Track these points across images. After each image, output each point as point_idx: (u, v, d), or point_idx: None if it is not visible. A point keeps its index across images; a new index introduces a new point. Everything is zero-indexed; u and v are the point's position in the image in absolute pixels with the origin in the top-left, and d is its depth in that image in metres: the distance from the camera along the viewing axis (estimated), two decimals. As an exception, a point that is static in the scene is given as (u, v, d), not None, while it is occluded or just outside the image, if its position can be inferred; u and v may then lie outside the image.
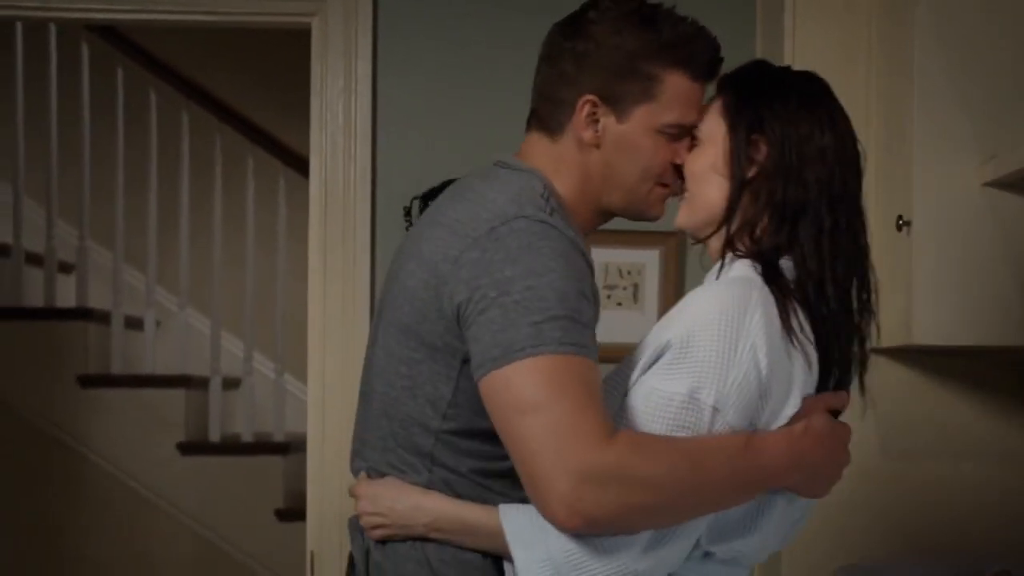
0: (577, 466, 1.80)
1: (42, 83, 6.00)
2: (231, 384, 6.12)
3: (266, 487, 5.76)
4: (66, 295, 6.03)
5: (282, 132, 5.96)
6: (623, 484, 1.81)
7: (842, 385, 2.03)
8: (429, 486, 2.04)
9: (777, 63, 3.23)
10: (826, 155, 2.00)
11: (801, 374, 1.93)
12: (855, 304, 2.02)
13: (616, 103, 2.11)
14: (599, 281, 3.44)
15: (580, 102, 2.11)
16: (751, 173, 2.02)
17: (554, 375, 1.85)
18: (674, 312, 2.00)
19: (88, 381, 5.78)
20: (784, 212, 1.99)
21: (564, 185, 2.13)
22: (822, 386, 1.98)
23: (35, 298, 5.97)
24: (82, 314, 5.89)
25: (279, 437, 5.90)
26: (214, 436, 5.87)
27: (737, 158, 2.03)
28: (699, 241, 2.12)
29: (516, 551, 1.91)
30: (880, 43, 3.27)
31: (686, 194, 2.12)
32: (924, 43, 3.01)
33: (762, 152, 2.02)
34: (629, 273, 3.61)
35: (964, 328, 2.98)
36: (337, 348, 3.67)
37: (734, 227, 2.02)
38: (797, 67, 3.09)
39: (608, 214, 2.20)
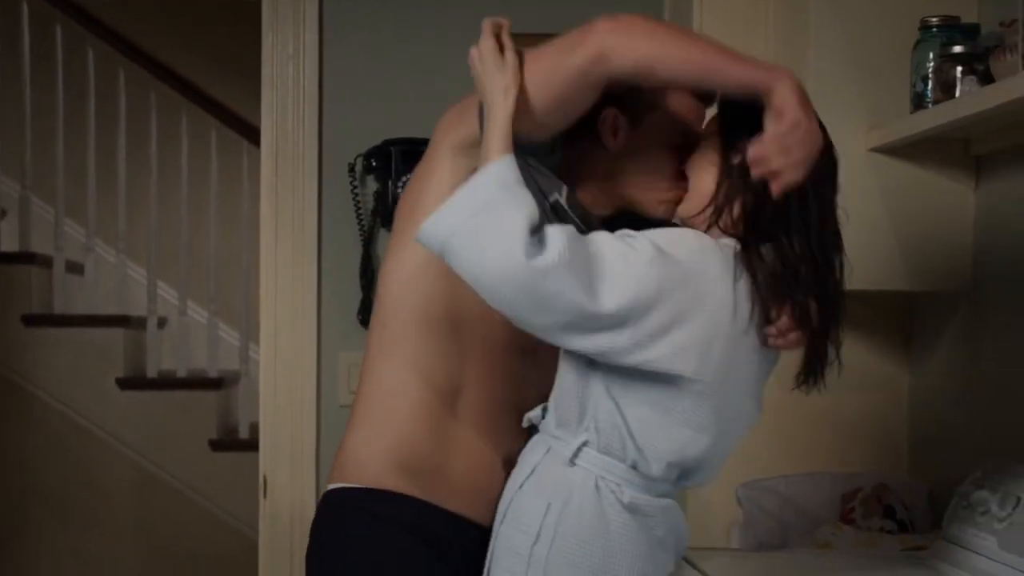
0: None
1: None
2: (164, 324, 6.20)
3: (200, 420, 5.82)
4: (10, 241, 6.08)
5: (212, 88, 6.02)
6: None
7: (814, 365, 2.20)
8: None
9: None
10: None
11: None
12: (829, 290, 2.13)
13: (631, 110, 2.19)
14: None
15: (605, 111, 2.19)
16: (736, 160, 2.11)
17: None
18: None
19: (32, 320, 5.82)
20: (758, 197, 2.08)
21: (586, 187, 2.22)
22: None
23: (-20, 243, 5.99)
24: (26, 258, 5.92)
25: (212, 374, 5.96)
26: (151, 372, 5.92)
27: (725, 147, 2.14)
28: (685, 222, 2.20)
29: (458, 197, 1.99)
30: (779, 14, 3.29)
31: (689, 191, 2.19)
32: (820, 16, 3.05)
33: (746, 143, 2.09)
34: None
35: (850, 275, 3.00)
36: (286, 289, 3.75)
37: (714, 206, 2.12)
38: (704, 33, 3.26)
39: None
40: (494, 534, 2.19)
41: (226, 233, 5.96)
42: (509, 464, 2.24)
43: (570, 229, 1.98)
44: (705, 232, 2.14)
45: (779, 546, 3.12)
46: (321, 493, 3.52)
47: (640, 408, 2.07)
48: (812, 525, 3.11)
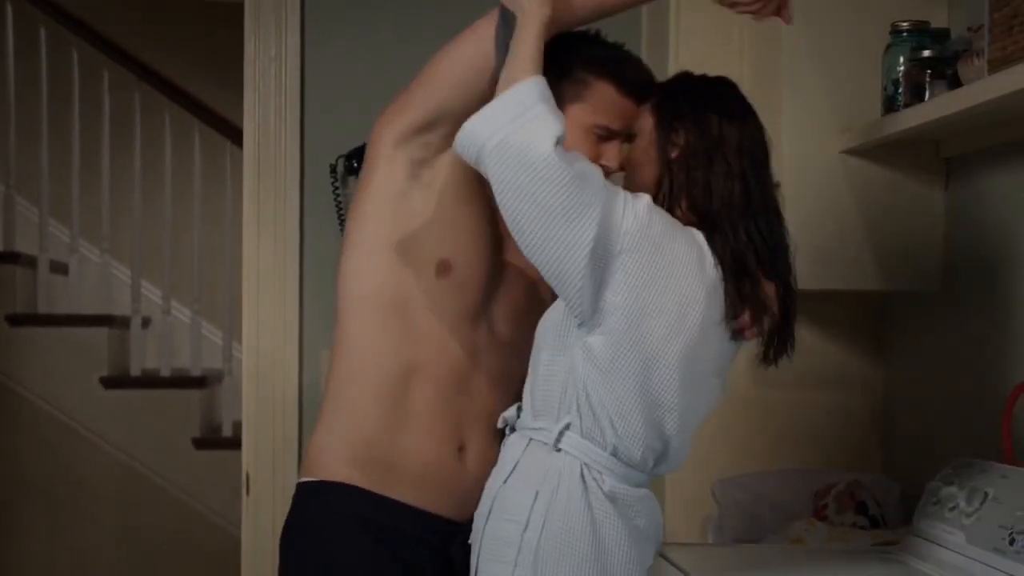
0: None
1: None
2: (148, 324, 6.21)
3: (184, 418, 5.84)
4: (-7, 241, 6.07)
5: (196, 89, 6.03)
6: None
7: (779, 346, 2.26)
8: None
9: (662, 42, 3.47)
10: (743, 141, 2.19)
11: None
12: (782, 272, 2.22)
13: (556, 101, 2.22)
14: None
15: None
16: (674, 154, 2.21)
17: None
18: None
19: (16, 320, 5.82)
20: (702, 189, 2.19)
21: None
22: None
23: (-35, 244, 5.99)
24: (10, 258, 5.93)
25: (195, 372, 5.98)
26: (135, 371, 5.94)
27: (661, 142, 2.22)
28: None
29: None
30: (753, 23, 3.38)
31: (624, 180, 2.28)
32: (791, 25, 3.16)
33: (681, 137, 2.20)
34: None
35: (823, 274, 3.07)
36: (268, 289, 3.77)
37: (661, 201, 2.19)
38: (680, 45, 3.32)
39: None
40: (478, 532, 2.22)
41: (210, 233, 5.98)
42: (471, 455, 2.30)
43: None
44: None
45: (754, 541, 3.15)
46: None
47: (617, 389, 2.12)
48: (786, 521, 3.13)
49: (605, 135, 2.29)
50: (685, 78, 2.33)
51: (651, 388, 2.13)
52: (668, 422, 2.17)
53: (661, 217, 2.15)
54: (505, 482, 2.19)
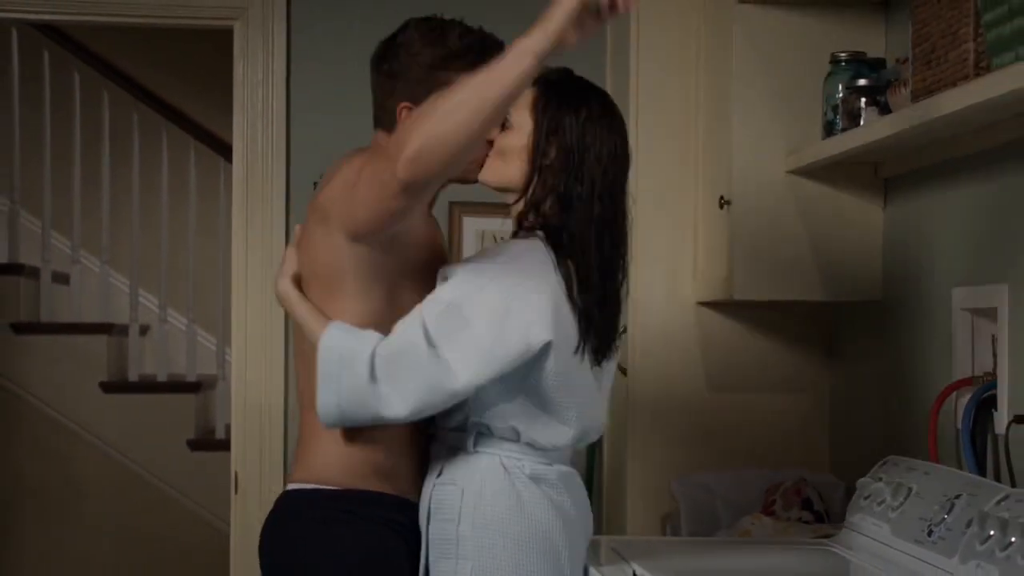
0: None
1: None
2: (146, 331, 6.28)
3: (179, 421, 5.92)
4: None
5: (191, 109, 6.15)
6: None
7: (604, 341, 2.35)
8: None
9: (625, 66, 3.57)
10: (602, 159, 2.31)
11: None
12: (618, 277, 2.35)
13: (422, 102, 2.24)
14: (479, 247, 3.75)
15: (399, 108, 2.37)
16: (546, 162, 2.32)
17: None
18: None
19: (20, 328, 5.90)
20: (565, 199, 2.30)
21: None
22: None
23: (-29, 256, 6.07)
24: (14, 269, 6.01)
25: (191, 378, 6.05)
26: (133, 376, 6.02)
27: (536, 151, 2.32)
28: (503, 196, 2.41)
29: (320, 384, 2.23)
30: (707, 52, 3.44)
31: (489, 160, 2.37)
32: (741, 52, 3.19)
33: (554, 149, 2.31)
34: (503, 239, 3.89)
35: (771, 286, 3.18)
36: (256, 299, 3.87)
37: (528, 202, 2.33)
38: (641, 67, 3.41)
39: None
40: (424, 535, 2.33)
41: (204, 245, 6.07)
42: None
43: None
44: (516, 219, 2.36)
45: (708, 535, 3.25)
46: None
47: (513, 402, 2.27)
48: (739, 516, 3.23)
49: None
50: (568, 82, 2.39)
51: (542, 390, 2.27)
52: (567, 415, 2.31)
53: (504, 251, 2.33)
54: (435, 486, 2.32)
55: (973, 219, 2.76)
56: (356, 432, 2.32)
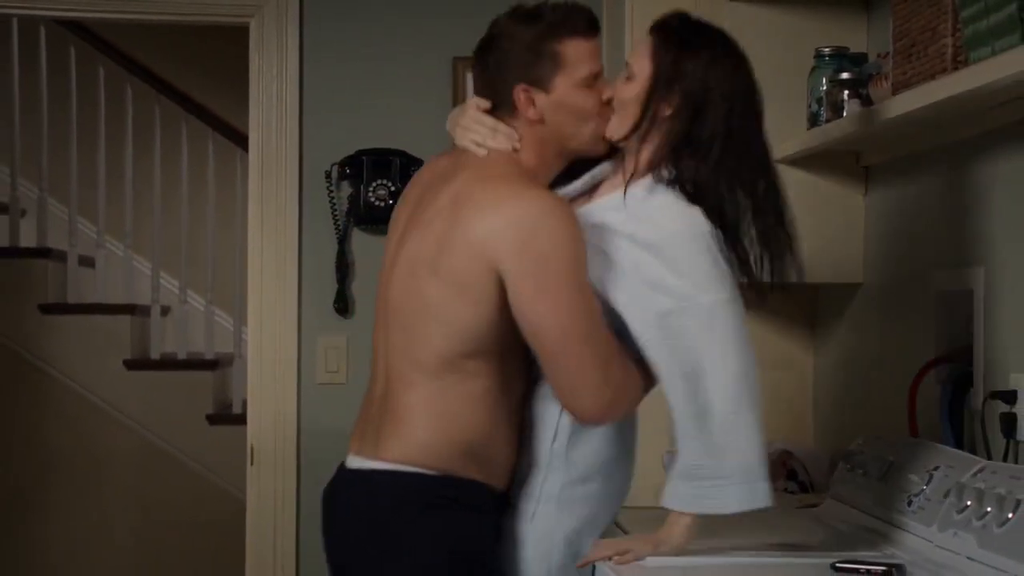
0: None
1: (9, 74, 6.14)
2: (167, 312, 6.30)
3: (198, 397, 5.91)
4: (29, 237, 6.15)
5: (210, 102, 6.13)
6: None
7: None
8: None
9: (619, 61, 3.52)
10: (726, 101, 2.21)
11: None
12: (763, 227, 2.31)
13: (539, 82, 2.30)
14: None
15: (515, 91, 2.31)
16: (667, 112, 2.23)
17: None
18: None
19: (48, 309, 5.90)
20: (692, 146, 2.21)
21: (526, 155, 2.34)
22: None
23: (2, 239, 6.09)
24: (43, 253, 6.01)
25: (209, 356, 6.07)
26: (155, 354, 6.03)
27: (652, 98, 2.23)
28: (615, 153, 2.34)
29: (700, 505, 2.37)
30: None
31: (614, 115, 2.29)
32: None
33: (676, 95, 2.22)
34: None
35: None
36: (271, 281, 3.87)
37: (652, 153, 2.24)
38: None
39: (567, 159, 2.38)
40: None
41: (222, 230, 6.07)
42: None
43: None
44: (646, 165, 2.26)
45: (699, 505, 3.24)
46: (303, 460, 3.63)
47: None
48: (728, 487, 3.22)
49: (595, 78, 2.33)
50: (684, 25, 2.30)
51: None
52: None
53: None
54: None
55: (950, 206, 2.76)
56: (456, 418, 2.30)
